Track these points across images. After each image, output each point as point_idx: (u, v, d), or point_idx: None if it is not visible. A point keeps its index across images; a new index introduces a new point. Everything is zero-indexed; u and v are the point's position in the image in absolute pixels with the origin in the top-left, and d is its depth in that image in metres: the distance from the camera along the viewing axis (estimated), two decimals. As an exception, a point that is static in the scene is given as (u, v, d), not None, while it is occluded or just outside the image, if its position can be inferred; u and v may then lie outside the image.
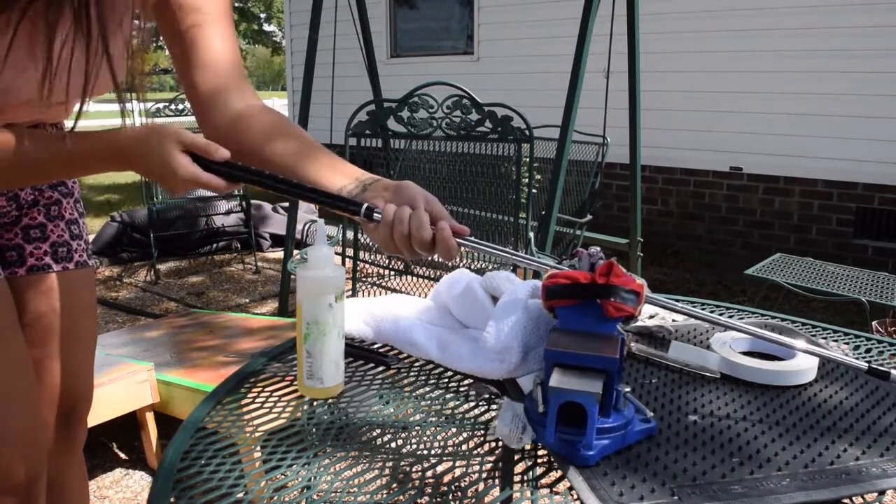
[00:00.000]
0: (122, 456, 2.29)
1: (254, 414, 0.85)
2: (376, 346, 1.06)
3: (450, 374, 0.97)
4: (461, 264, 2.23)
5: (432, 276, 2.41)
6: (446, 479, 0.72)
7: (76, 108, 0.92)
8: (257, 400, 0.89)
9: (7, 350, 1.02)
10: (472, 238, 0.83)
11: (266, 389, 0.92)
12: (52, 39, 0.80)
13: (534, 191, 2.31)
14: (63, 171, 0.96)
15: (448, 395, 0.91)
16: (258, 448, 0.77)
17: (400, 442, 0.79)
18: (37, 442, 1.07)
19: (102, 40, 0.83)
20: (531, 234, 2.65)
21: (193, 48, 0.94)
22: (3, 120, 0.91)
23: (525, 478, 0.73)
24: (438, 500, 0.69)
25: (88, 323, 1.21)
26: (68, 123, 1.09)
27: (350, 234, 2.37)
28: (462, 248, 0.83)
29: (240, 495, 0.67)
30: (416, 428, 0.82)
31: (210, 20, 0.95)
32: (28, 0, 0.78)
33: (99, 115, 4.61)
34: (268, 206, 5.27)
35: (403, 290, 2.45)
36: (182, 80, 0.97)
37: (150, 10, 0.94)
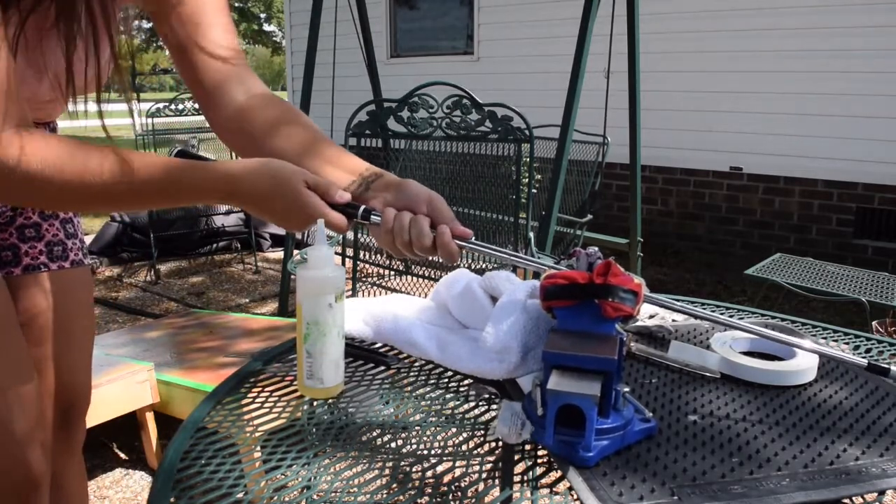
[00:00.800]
0: (122, 456, 2.29)
1: (254, 414, 0.85)
2: (376, 346, 1.06)
3: (450, 374, 0.97)
4: (461, 264, 2.23)
5: (432, 276, 2.41)
6: (446, 479, 0.72)
7: (73, 108, 0.91)
8: (257, 400, 0.89)
9: (8, 350, 1.02)
10: (473, 240, 0.83)
11: (266, 389, 0.92)
12: (69, 40, 0.80)
13: (534, 191, 2.31)
14: (166, 200, 0.86)
15: (448, 395, 0.91)
16: (258, 448, 0.77)
17: (400, 442, 0.79)
18: (41, 441, 1.07)
19: (110, 38, 0.83)
20: (531, 234, 2.65)
21: (193, 42, 0.93)
22: None
23: (525, 478, 0.73)
24: (438, 500, 0.69)
25: (85, 321, 1.21)
26: (61, 123, 1.09)
27: (350, 235, 2.37)
28: (462, 249, 0.83)
29: (240, 495, 0.67)
30: (416, 428, 0.82)
31: (208, 12, 0.94)
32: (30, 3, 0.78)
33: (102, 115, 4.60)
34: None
35: (403, 290, 2.45)
36: (184, 76, 0.96)
37: (147, 5, 0.93)
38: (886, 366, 0.86)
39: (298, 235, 3.89)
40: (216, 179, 0.81)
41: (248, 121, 0.93)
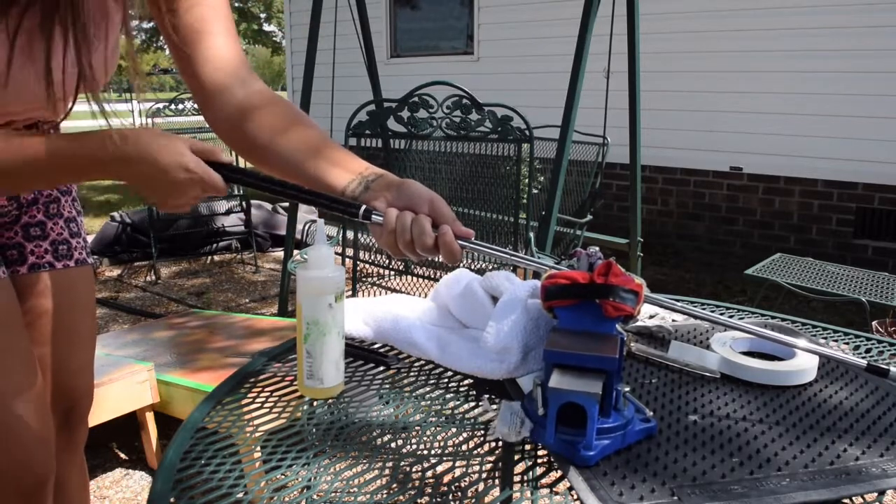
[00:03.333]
0: (122, 456, 2.29)
1: (254, 414, 0.85)
2: (376, 346, 1.06)
3: (450, 374, 0.97)
4: (462, 264, 2.23)
5: (432, 276, 2.41)
6: (446, 479, 0.72)
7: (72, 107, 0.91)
8: (257, 400, 0.89)
9: (16, 349, 1.02)
10: (475, 240, 0.83)
11: (266, 389, 0.92)
12: (50, 39, 0.80)
13: (534, 191, 2.31)
14: (65, 173, 0.86)
15: (448, 395, 0.91)
16: (258, 448, 0.77)
17: (400, 442, 0.79)
18: (47, 441, 1.07)
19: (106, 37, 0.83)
20: (531, 234, 2.65)
21: (195, 41, 0.93)
22: (1, 119, 0.91)
23: (525, 478, 0.73)
24: (438, 500, 0.69)
25: (88, 321, 1.21)
26: (64, 124, 1.09)
27: (350, 234, 2.37)
28: (464, 250, 0.83)
29: (240, 495, 0.67)
30: (416, 428, 0.82)
31: (210, 12, 0.94)
32: (25, 4, 0.78)
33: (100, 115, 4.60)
34: (268, 207, 5.27)
35: (403, 290, 2.45)
36: (184, 76, 0.96)
37: (148, 6, 0.93)
38: (886, 367, 0.85)
39: (298, 235, 3.89)
40: (102, 137, 0.79)
41: (249, 121, 0.92)
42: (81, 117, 0.94)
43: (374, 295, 2.40)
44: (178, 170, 0.80)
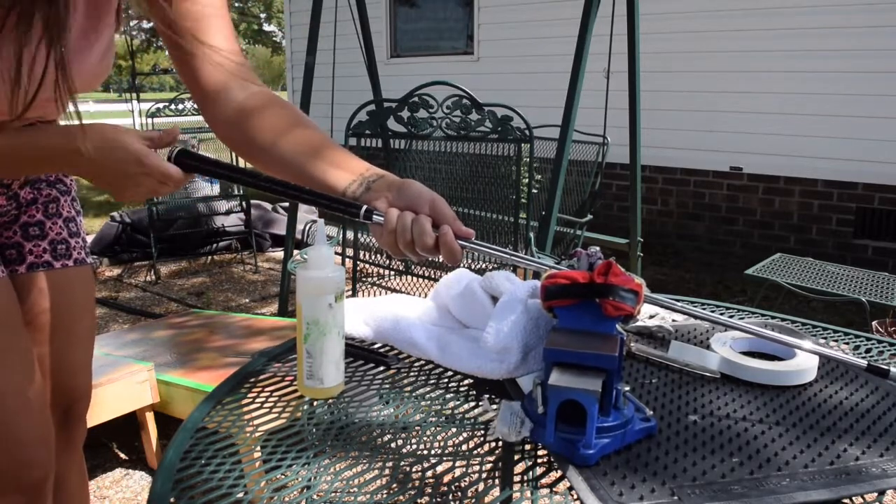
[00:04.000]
0: (122, 456, 2.29)
1: (254, 414, 0.85)
2: (376, 346, 1.06)
3: (450, 374, 0.97)
4: (462, 264, 2.23)
5: (432, 276, 2.41)
6: (446, 479, 0.72)
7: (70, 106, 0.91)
8: (257, 400, 0.88)
9: (15, 349, 1.02)
10: (476, 240, 0.83)
11: (266, 389, 0.92)
12: (20, 45, 0.79)
13: (534, 191, 2.31)
14: (24, 165, 0.90)
15: (448, 395, 0.91)
16: (258, 448, 0.77)
17: (400, 442, 0.79)
18: (47, 440, 1.07)
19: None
20: (531, 234, 2.65)
21: (194, 49, 0.93)
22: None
23: (525, 478, 0.73)
24: (438, 500, 0.69)
25: (87, 321, 1.21)
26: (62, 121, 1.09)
27: (350, 234, 2.37)
28: (464, 250, 0.83)
29: (240, 495, 0.67)
30: (416, 428, 0.82)
31: (208, 12, 0.94)
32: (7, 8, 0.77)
33: (100, 115, 4.61)
34: (268, 206, 5.27)
35: (403, 290, 2.45)
36: (183, 77, 0.95)
37: (145, 6, 0.93)
38: (886, 367, 0.85)
39: (299, 236, 3.89)
40: (67, 131, 0.82)
41: (248, 122, 0.92)
42: (88, 117, 0.94)
43: (374, 295, 2.40)
44: (130, 164, 0.82)
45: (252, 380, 0.95)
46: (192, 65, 0.93)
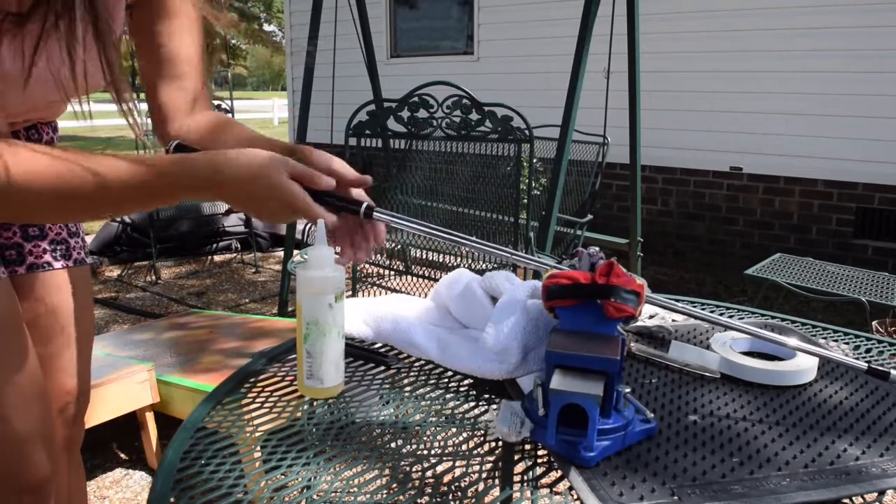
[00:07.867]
0: (122, 456, 2.29)
1: (254, 414, 0.85)
2: (376, 346, 1.06)
3: (450, 374, 0.97)
4: (461, 265, 2.23)
5: (432, 277, 2.41)
6: (446, 479, 0.72)
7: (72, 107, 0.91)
8: (257, 400, 0.88)
9: (17, 349, 1.02)
10: (475, 239, 0.84)
11: (266, 389, 0.92)
12: (72, 40, 0.79)
13: (534, 191, 2.31)
14: (157, 200, 0.82)
15: (448, 395, 0.91)
16: (258, 448, 0.77)
17: (400, 442, 0.79)
18: (48, 440, 1.07)
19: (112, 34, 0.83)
20: (531, 234, 2.65)
21: (159, 79, 0.98)
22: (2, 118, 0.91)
23: (525, 478, 0.73)
24: (438, 500, 0.69)
25: (86, 321, 1.21)
26: (61, 123, 1.09)
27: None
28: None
29: (240, 495, 0.67)
30: (416, 428, 0.82)
31: (178, 27, 0.98)
32: (45, 10, 0.77)
33: (100, 115, 4.62)
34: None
35: (403, 290, 2.45)
36: (147, 90, 1.01)
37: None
38: (886, 370, 0.85)
39: (299, 236, 3.89)
40: (200, 174, 0.78)
41: (187, 135, 0.99)
42: (68, 118, 0.96)
43: (374, 295, 2.40)
44: (274, 203, 0.79)
45: (252, 380, 0.95)
46: (156, 79, 0.99)
